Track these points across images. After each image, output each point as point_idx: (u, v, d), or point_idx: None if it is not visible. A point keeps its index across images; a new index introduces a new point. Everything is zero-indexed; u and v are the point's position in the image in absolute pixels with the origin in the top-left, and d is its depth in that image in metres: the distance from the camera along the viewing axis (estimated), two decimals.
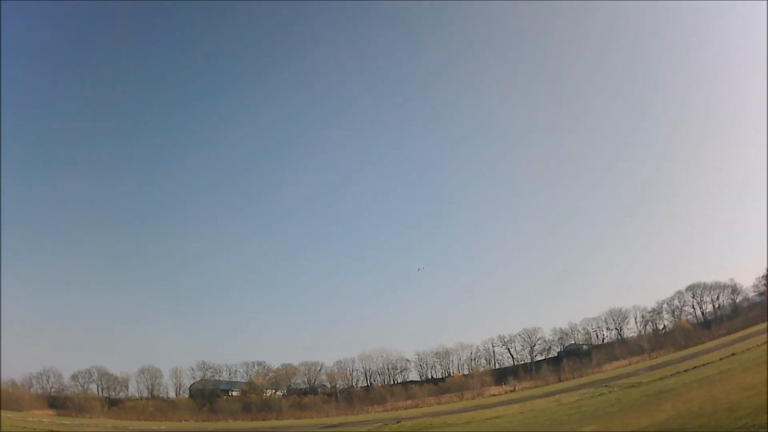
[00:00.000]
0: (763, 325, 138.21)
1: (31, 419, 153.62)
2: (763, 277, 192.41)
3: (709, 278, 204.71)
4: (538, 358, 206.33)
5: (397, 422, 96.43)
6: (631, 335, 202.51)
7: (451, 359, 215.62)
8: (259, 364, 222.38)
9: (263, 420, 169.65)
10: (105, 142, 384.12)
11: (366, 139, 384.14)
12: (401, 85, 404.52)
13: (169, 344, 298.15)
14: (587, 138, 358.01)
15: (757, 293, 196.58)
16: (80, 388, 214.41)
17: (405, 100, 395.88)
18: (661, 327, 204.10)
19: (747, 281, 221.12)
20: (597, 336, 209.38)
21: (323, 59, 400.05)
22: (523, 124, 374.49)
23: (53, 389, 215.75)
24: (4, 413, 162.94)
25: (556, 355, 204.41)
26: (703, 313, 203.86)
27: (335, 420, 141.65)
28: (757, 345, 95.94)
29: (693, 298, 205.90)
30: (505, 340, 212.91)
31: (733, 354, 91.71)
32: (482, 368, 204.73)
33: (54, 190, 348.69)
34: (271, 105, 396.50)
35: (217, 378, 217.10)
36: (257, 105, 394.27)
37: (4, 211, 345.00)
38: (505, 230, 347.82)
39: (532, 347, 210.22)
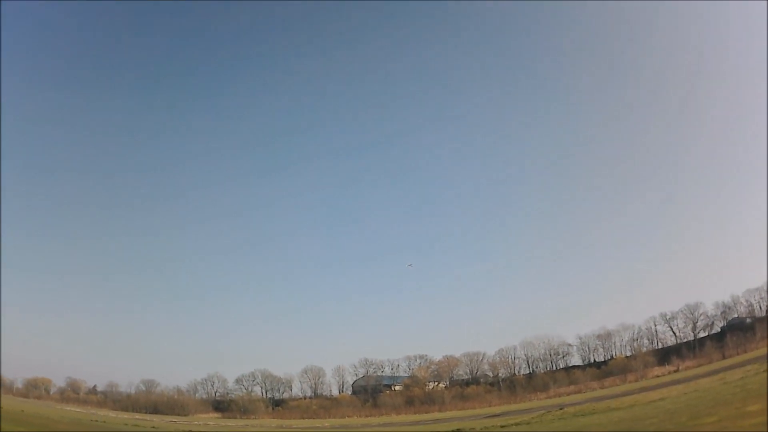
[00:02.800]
0: None
1: (196, 422, 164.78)
2: None
3: None
4: (701, 334, 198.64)
5: (560, 408, 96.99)
6: None
7: (613, 341, 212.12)
8: (421, 357, 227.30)
9: (426, 413, 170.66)
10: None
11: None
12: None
13: (333, 343, 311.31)
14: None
15: None
16: (244, 390, 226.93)
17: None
18: None
19: None
20: (761, 308, 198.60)
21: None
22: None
23: (218, 393, 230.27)
24: (170, 418, 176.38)
25: (719, 330, 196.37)
26: None
27: (498, 409, 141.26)
28: None
29: None
30: (667, 317, 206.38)
31: None
32: (645, 348, 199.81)
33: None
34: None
35: (379, 374, 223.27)
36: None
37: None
38: (661, 204, 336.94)
39: (694, 323, 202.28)
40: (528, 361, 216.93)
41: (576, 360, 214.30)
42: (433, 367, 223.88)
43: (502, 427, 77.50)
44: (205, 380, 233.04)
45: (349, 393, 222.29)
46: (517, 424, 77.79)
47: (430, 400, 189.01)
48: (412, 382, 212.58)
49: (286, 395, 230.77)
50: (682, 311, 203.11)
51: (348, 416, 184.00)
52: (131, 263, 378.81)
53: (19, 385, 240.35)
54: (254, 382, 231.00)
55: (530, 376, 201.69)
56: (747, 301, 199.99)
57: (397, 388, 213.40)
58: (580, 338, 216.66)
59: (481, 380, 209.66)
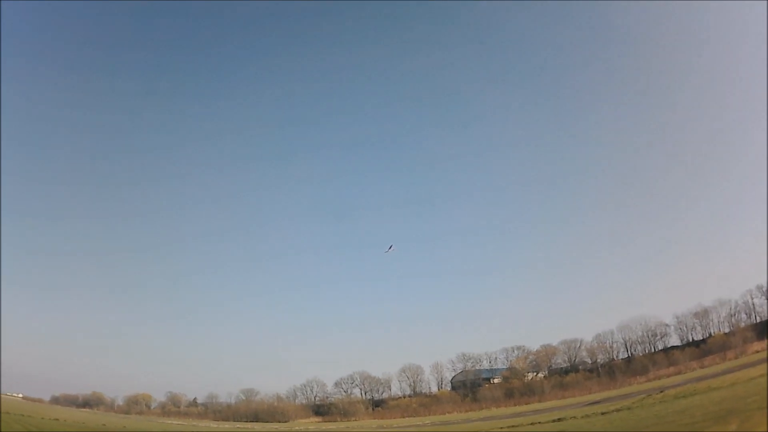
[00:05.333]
0: None
1: (297, 428, 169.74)
2: None
3: None
4: None
5: (660, 392, 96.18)
6: None
7: (710, 318, 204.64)
8: (518, 348, 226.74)
9: (526, 404, 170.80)
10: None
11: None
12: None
13: (430, 340, 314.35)
14: None
15: None
16: (344, 393, 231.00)
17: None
18: None
19: None
20: None
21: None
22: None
23: (317, 398, 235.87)
24: (271, 425, 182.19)
25: None
26: None
27: (597, 396, 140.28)
28: None
29: None
30: (764, 289, 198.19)
31: None
32: (743, 324, 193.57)
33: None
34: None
35: (477, 368, 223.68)
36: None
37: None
38: (750, 174, 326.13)
39: None
40: (626, 345, 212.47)
41: (674, 340, 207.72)
42: (531, 357, 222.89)
43: (602, 414, 78.37)
44: (305, 385, 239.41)
45: (449, 389, 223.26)
46: (617, 410, 78.28)
47: (529, 391, 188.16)
48: (511, 373, 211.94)
49: (385, 395, 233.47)
50: None
51: (448, 412, 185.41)
52: (224, 273, 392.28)
53: (120, 402, 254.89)
54: (353, 384, 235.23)
55: (629, 360, 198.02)
56: None
57: (495, 380, 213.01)
58: (677, 317, 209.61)
59: (580, 367, 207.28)
